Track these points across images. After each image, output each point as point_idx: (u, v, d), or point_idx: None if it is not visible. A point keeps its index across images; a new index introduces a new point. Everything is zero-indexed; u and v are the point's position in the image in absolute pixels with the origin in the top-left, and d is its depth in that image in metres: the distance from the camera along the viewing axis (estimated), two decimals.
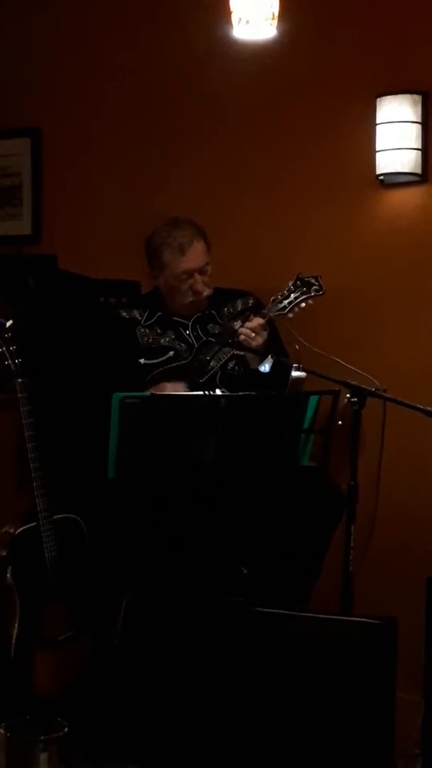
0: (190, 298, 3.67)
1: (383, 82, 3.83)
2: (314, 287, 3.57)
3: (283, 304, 3.56)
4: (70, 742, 1.83)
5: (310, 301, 3.57)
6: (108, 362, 3.69)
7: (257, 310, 3.66)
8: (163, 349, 3.67)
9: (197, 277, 3.64)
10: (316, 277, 3.57)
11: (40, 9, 4.53)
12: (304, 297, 3.56)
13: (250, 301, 3.76)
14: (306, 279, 3.57)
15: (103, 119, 4.44)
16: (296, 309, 3.56)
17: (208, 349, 3.62)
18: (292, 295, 3.56)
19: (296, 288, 3.57)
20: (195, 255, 3.63)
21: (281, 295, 3.57)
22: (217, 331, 3.70)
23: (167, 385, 3.53)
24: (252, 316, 3.57)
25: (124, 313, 3.75)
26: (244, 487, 3.31)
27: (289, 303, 3.56)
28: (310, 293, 3.56)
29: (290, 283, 3.58)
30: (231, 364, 3.61)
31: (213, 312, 3.74)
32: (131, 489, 3.34)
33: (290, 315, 3.56)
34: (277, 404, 3.40)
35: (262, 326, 3.54)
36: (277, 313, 3.56)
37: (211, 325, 3.73)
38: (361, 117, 3.88)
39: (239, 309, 3.75)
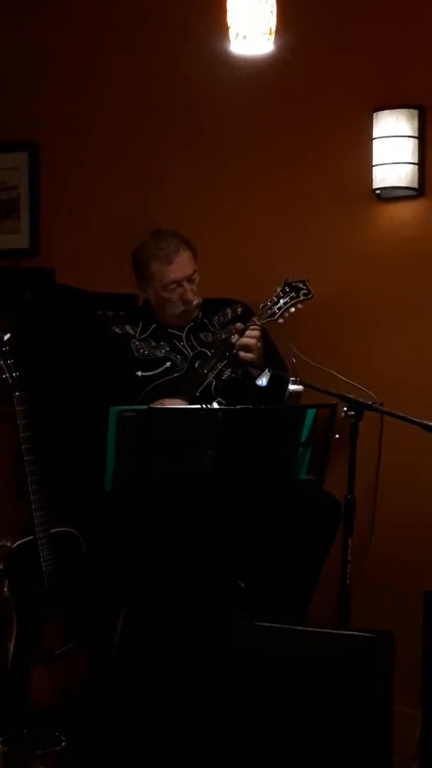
0: (181, 308, 3.68)
1: (380, 96, 3.85)
2: (303, 291, 3.57)
3: (272, 311, 3.57)
4: (68, 756, 1.82)
5: (300, 306, 3.57)
6: (105, 375, 3.69)
7: (246, 317, 3.67)
8: (159, 360, 3.67)
9: (186, 286, 3.65)
10: (304, 281, 3.58)
11: (37, 23, 4.54)
12: (293, 302, 3.57)
13: (239, 309, 3.77)
14: (294, 284, 3.58)
15: (101, 133, 4.44)
16: (286, 314, 3.57)
17: (205, 362, 3.62)
18: (281, 301, 3.57)
19: (285, 293, 3.57)
20: (182, 264, 3.64)
21: (270, 302, 3.58)
22: (210, 340, 3.71)
23: (167, 400, 3.53)
24: (246, 329, 3.57)
25: (117, 330, 3.75)
26: (242, 501, 3.31)
27: (279, 309, 3.56)
28: (299, 297, 3.57)
29: (278, 289, 3.58)
30: (227, 372, 3.62)
31: (205, 321, 3.75)
32: (128, 502, 3.34)
33: (280, 320, 3.57)
34: (274, 418, 3.40)
35: (257, 338, 3.55)
36: (267, 319, 3.57)
37: (204, 333, 3.74)
38: (358, 131, 3.89)
39: (229, 317, 3.76)
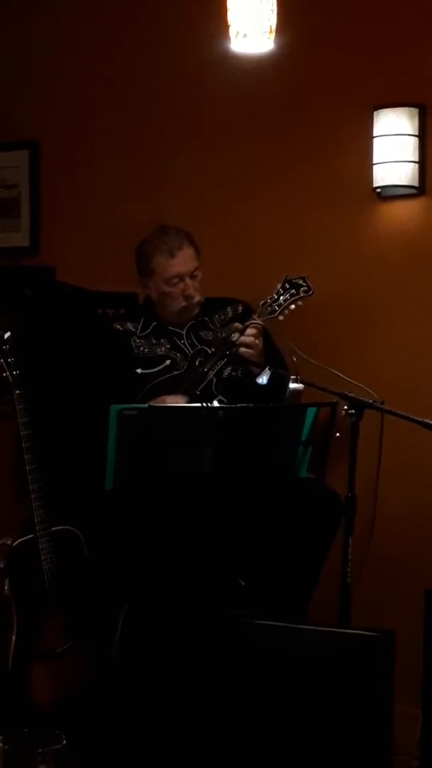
0: (182, 304, 3.68)
1: (380, 95, 3.85)
2: (303, 288, 3.58)
3: (272, 308, 3.57)
4: (69, 754, 1.83)
5: (300, 302, 3.58)
6: (105, 373, 3.69)
7: (247, 316, 3.67)
8: (159, 358, 3.68)
9: (188, 281, 3.66)
10: (303, 278, 3.59)
11: (38, 21, 4.53)
12: (293, 299, 3.58)
13: (240, 308, 3.78)
14: (294, 280, 3.59)
15: (102, 131, 4.44)
16: (286, 311, 3.57)
17: (206, 360, 3.62)
18: (281, 298, 3.58)
19: (285, 290, 3.58)
20: (184, 259, 3.65)
21: (270, 299, 3.58)
22: (211, 338, 3.71)
23: (167, 397, 3.53)
24: (246, 326, 3.57)
25: (118, 326, 3.75)
26: (242, 499, 3.31)
27: (279, 306, 3.57)
28: (299, 294, 3.58)
29: (278, 286, 3.59)
30: (227, 370, 3.62)
31: (206, 319, 3.76)
32: (129, 500, 3.34)
33: (281, 317, 3.58)
34: (275, 416, 3.40)
35: (259, 331, 3.55)
36: (267, 316, 3.58)
37: (205, 331, 3.74)
38: (358, 130, 3.89)
39: (230, 316, 3.76)
